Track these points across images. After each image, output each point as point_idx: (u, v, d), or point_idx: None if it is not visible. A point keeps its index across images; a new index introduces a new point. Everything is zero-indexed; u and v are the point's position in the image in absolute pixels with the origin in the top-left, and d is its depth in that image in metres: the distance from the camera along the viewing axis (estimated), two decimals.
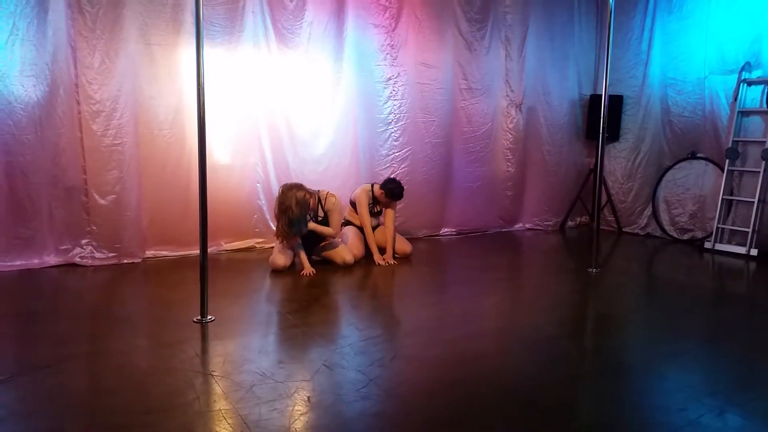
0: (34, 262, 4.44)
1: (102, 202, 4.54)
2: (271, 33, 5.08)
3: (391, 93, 5.68)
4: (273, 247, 4.69)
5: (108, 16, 4.41)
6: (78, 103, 4.43)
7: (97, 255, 4.59)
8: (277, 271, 4.48)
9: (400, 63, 5.67)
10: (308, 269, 4.46)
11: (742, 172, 5.57)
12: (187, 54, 4.68)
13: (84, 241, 4.58)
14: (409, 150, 5.81)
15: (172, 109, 4.76)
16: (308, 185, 4.57)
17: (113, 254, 4.62)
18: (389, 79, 5.65)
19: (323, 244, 4.76)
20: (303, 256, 4.52)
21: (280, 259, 4.51)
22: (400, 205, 5.25)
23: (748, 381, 2.71)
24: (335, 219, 4.67)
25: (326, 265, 4.75)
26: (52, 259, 4.50)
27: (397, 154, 5.75)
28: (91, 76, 4.41)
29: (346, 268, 4.68)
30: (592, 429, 2.28)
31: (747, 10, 5.45)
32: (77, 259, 4.56)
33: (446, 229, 6.27)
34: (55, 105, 4.35)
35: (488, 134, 6.28)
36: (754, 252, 5.25)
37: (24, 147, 4.29)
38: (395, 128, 5.72)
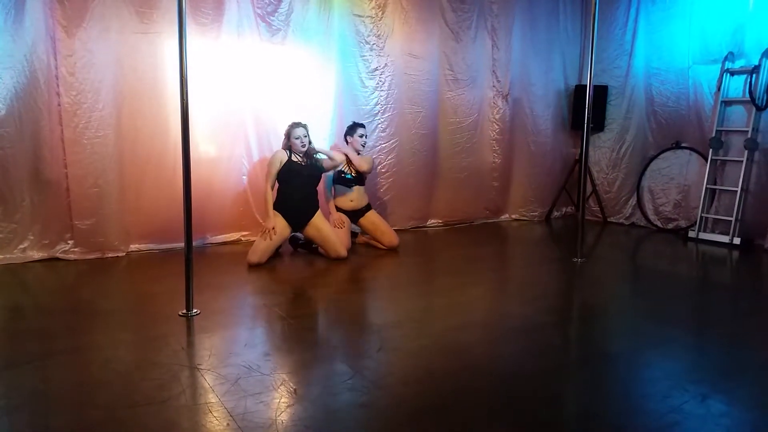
0: (17, 256, 4.38)
1: (85, 195, 4.48)
2: (256, 23, 5.03)
3: (378, 84, 5.66)
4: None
5: (88, 4, 4.33)
6: (58, 94, 4.36)
7: (81, 249, 4.54)
8: (252, 266, 4.45)
9: (387, 53, 5.65)
10: (269, 226, 4.55)
11: (725, 162, 5.62)
12: (172, 43, 4.62)
13: (67, 235, 4.53)
14: (396, 141, 5.80)
15: (156, 100, 4.70)
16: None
17: (97, 248, 4.58)
18: (375, 69, 5.63)
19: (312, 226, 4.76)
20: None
21: (254, 255, 4.47)
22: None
23: (731, 368, 2.74)
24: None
25: (314, 257, 4.74)
26: (35, 254, 4.44)
27: (383, 145, 5.74)
28: (72, 67, 4.33)
29: (339, 260, 4.67)
30: (578, 417, 2.30)
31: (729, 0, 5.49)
32: (60, 254, 4.51)
33: (433, 221, 6.28)
34: (35, 97, 4.27)
35: (474, 125, 6.29)
36: (737, 240, 5.31)
37: (3, 140, 4.22)
38: (382, 119, 5.71)
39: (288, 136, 4.73)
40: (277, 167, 4.64)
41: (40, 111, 4.31)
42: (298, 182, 4.68)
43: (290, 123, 4.75)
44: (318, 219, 4.74)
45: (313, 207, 4.76)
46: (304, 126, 4.74)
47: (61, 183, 4.46)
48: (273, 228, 4.55)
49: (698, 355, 2.96)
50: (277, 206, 4.66)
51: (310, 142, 4.75)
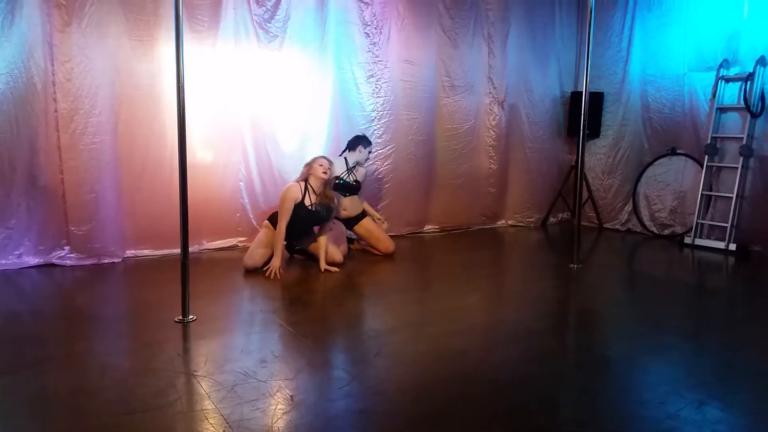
0: (13, 262, 4.37)
1: (81, 201, 4.47)
2: (252, 29, 5.04)
3: (374, 90, 5.67)
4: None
5: (85, 10, 4.33)
6: (55, 100, 4.35)
7: (77, 255, 4.53)
8: (249, 271, 4.44)
9: (383, 60, 5.66)
10: (275, 267, 4.34)
11: (720, 168, 5.64)
12: (169, 50, 4.62)
13: (63, 241, 4.52)
14: (393, 147, 5.81)
15: (152, 106, 4.70)
16: (291, 182, 4.64)
17: (93, 254, 4.56)
18: (372, 76, 5.64)
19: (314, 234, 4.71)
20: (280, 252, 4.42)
21: (251, 260, 4.47)
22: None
23: (727, 374, 2.75)
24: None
25: (310, 263, 4.73)
26: (31, 260, 4.43)
27: (380, 151, 5.75)
28: (69, 72, 4.33)
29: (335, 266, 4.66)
30: (574, 423, 2.30)
31: (724, 7, 5.53)
32: (56, 260, 4.50)
33: (429, 226, 6.28)
34: (31, 103, 4.28)
35: (471, 131, 6.31)
36: (732, 247, 5.33)
37: (0, 145, 4.22)
38: (378, 125, 5.72)
39: (309, 164, 4.58)
40: (292, 204, 4.43)
41: (36, 116, 4.31)
42: (303, 223, 4.56)
43: (316, 156, 4.68)
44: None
45: (310, 234, 4.71)
46: (330, 161, 4.61)
47: (58, 189, 4.45)
48: (281, 270, 4.37)
49: (694, 361, 2.96)
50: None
51: (334, 177, 4.63)
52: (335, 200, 4.63)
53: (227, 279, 4.33)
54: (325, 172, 4.51)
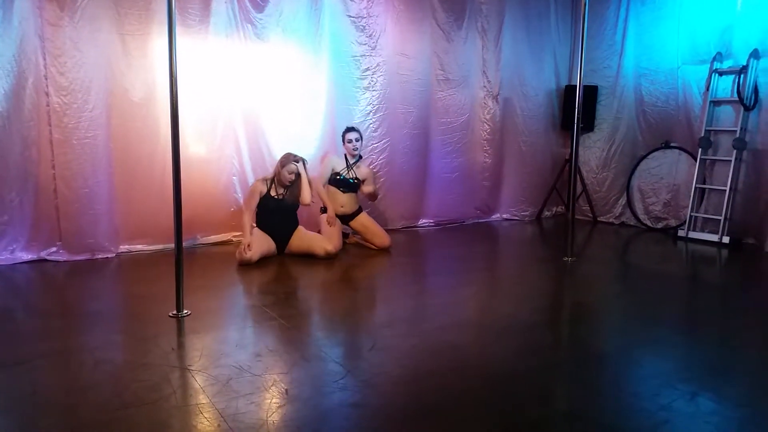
0: (6, 258, 4.34)
1: (74, 196, 4.45)
2: (246, 23, 5.02)
3: (369, 84, 5.66)
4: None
5: (77, 4, 4.30)
6: (47, 95, 4.33)
7: (70, 250, 4.51)
8: (243, 265, 4.44)
9: (378, 54, 5.65)
10: (245, 243, 4.46)
11: (714, 161, 5.66)
12: (161, 44, 4.59)
13: (56, 237, 4.50)
14: (388, 141, 5.80)
15: (146, 100, 4.68)
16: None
17: (86, 249, 4.54)
18: (367, 69, 5.63)
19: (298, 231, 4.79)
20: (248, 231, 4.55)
21: (245, 253, 4.47)
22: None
23: (720, 366, 2.76)
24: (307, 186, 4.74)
25: (304, 257, 4.73)
26: (24, 255, 4.41)
27: (375, 144, 5.74)
28: (61, 67, 4.31)
29: (329, 258, 4.66)
30: (568, 416, 2.31)
31: (717, 0, 5.53)
32: (49, 255, 4.48)
33: (424, 220, 6.29)
34: (23, 97, 4.24)
35: (466, 125, 6.31)
36: (726, 239, 5.35)
37: None
38: (373, 119, 5.71)
39: (283, 163, 4.68)
40: (257, 199, 4.67)
41: (29, 111, 4.28)
42: (274, 212, 4.70)
43: (288, 153, 4.74)
44: (298, 232, 4.78)
45: (293, 226, 4.80)
46: (301, 162, 4.72)
47: (50, 184, 4.43)
48: (249, 245, 4.45)
49: (687, 354, 2.97)
50: (259, 226, 4.70)
51: (298, 175, 4.70)
52: (299, 193, 4.73)
53: (221, 273, 4.33)
54: (290, 181, 4.69)
